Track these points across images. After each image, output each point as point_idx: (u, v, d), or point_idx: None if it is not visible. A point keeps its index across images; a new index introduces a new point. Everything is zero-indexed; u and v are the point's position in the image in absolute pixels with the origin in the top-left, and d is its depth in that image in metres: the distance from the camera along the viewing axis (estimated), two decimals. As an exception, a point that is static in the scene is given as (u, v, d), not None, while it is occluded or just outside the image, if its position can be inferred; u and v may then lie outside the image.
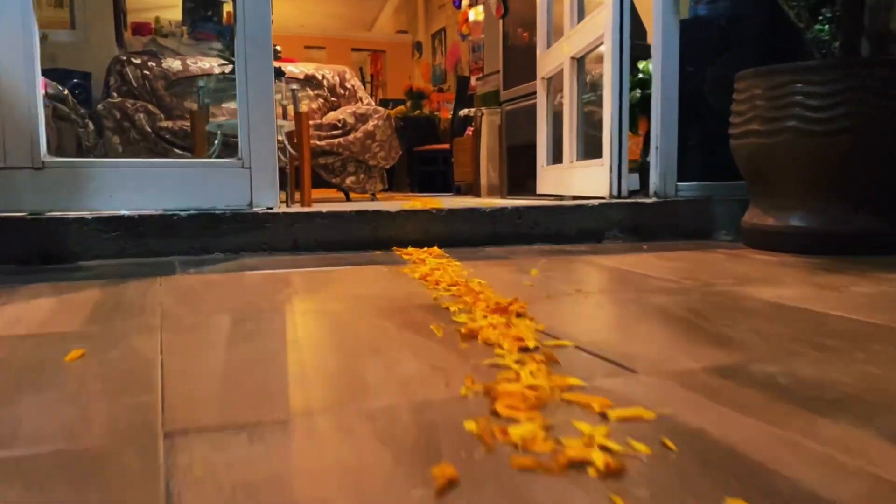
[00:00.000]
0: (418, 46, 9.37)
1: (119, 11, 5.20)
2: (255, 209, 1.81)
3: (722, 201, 2.18)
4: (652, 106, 2.22)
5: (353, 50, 9.92)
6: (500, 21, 5.13)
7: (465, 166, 6.48)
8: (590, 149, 2.66)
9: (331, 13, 9.84)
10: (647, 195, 2.27)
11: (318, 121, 4.92)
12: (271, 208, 1.85)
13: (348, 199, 5.24)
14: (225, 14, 7.27)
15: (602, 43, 2.35)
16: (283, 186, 3.28)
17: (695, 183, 2.26)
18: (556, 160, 2.85)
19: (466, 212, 1.91)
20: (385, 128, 4.89)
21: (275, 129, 1.91)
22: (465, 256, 1.78)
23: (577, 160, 2.69)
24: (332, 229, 1.78)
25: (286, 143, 3.42)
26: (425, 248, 1.82)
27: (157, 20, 6.37)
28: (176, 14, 6.48)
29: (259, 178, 1.84)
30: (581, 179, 2.54)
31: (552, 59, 2.88)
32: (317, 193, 5.74)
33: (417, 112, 7.45)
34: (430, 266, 1.48)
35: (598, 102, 2.64)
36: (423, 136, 7.38)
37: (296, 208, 1.77)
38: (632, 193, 2.27)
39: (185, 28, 6.41)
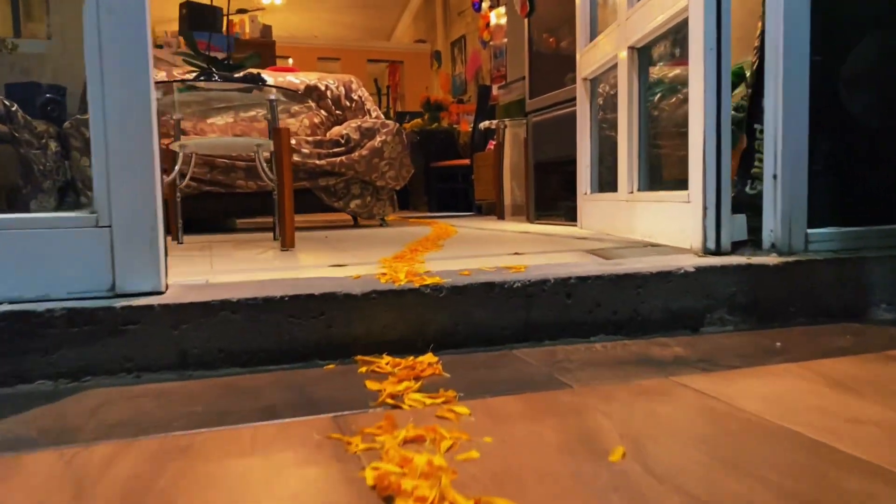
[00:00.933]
0: (437, 56, 8.60)
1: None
2: (117, 299, 1.03)
3: (879, 259, 1.35)
4: (766, 110, 1.40)
5: (370, 61, 9.19)
6: (526, 21, 4.31)
7: (486, 183, 5.67)
8: (656, 174, 1.85)
9: (346, 23, 9.12)
10: (757, 248, 1.44)
11: (321, 137, 4.14)
12: (151, 294, 1.06)
13: (356, 223, 4.45)
14: (226, 23, 6.59)
15: (680, 20, 1.54)
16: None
17: (833, 230, 1.43)
18: (607, 187, 2.03)
19: (482, 290, 1.10)
20: (395, 144, 4.10)
21: (156, 162, 1.13)
22: (478, 379, 0.98)
23: (638, 189, 1.87)
24: (250, 330, 0.99)
25: (263, 167, 2.65)
26: (413, 358, 1.03)
27: (152, 31, 5.62)
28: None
29: (127, 245, 1.06)
30: (648, 219, 1.72)
31: (598, 53, 2.07)
32: (318, 218, 4.95)
33: (435, 125, 6.67)
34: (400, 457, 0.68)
35: (669, 108, 1.82)
36: (442, 151, 6.59)
37: (193, 294, 0.99)
38: (735, 246, 1.44)
39: (181, 38, 5.70)
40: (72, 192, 3.64)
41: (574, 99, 3.45)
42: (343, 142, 4.03)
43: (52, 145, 3.42)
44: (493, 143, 5.86)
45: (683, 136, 1.54)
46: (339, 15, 8.97)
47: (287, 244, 2.49)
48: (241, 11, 7.22)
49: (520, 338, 1.14)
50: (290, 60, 7.98)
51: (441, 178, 6.53)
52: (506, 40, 5.73)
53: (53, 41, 4.43)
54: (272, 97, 2.53)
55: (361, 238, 3.08)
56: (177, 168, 2.52)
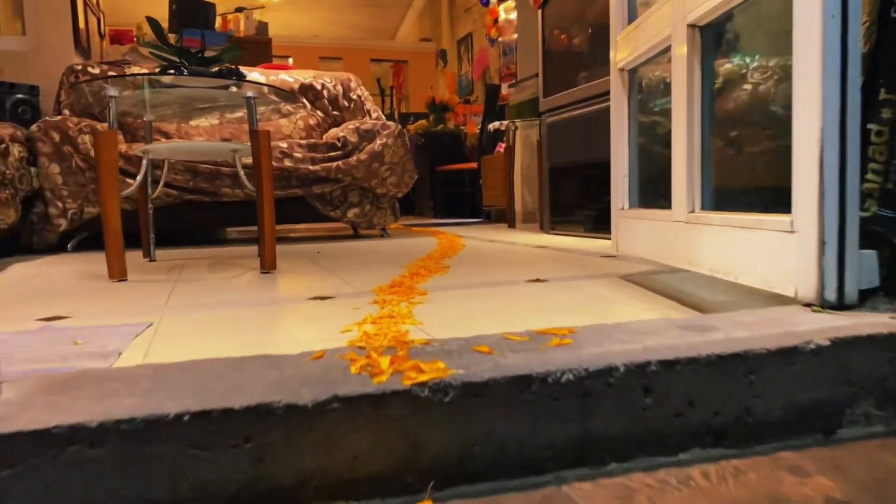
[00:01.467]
0: (443, 55, 8.15)
1: (77, 13, 4.04)
2: None
3: None
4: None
5: (373, 61, 8.76)
6: (539, 13, 3.88)
7: (495, 189, 5.24)
8: (726, 189, 1.40)
9: (349, 23, 8.69)
10: (893, 299, 0.99)
11: (315, 140, 3.71)
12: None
13: (356, 234, 4.02)
14: (219, 19, 6.16)
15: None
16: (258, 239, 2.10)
17: None
18: (651, 201, 1.59)
19: (512, 387, 0.67)
20: (396, 147, 3.66)
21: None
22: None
23: (702, 208, 1.42)
24: (123, 477, 0.58)
25: (242, 174, 2.22)
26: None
27: (139, 27, 5.22)
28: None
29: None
30: (721, 249, 1.28)
31: (641, 37, 1.64)
32: (314, 228, 4.51)
33: (441, 126, 6.23)
34: None
35: (749, 101, 1.38)
36: (448, 154, 6.15)
37: (37, 408, 0.58)
38: (862, 296, 0.99)
39: (172, 35, 5.29)
40: (40, 204, 3.22)
41: (599, 96, 3.01)
42: (340, 145, 3.60)
43: (15, 150, 3.00)
44: (503, 145, 5.42)
45: (765, 137, 1.09)
46: (341, 14, 8.54)
47: (267, 266, 2.06)
48: (240, 10, 6.80)
49: (571, 461, 0.71)
50: (290, 60, 7.56)
51: (447, 183, 6.10)
52: (515, 36, 5.29)
53: (28, 37, 4.01)
54: (249, 95, 2.10)
55: (357, 253, 2.65)
56: (139, 177, 2.09)
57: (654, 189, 1.61)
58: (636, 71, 1.59)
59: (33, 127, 3.21)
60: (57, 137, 3.19)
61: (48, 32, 3.96)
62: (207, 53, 3.40)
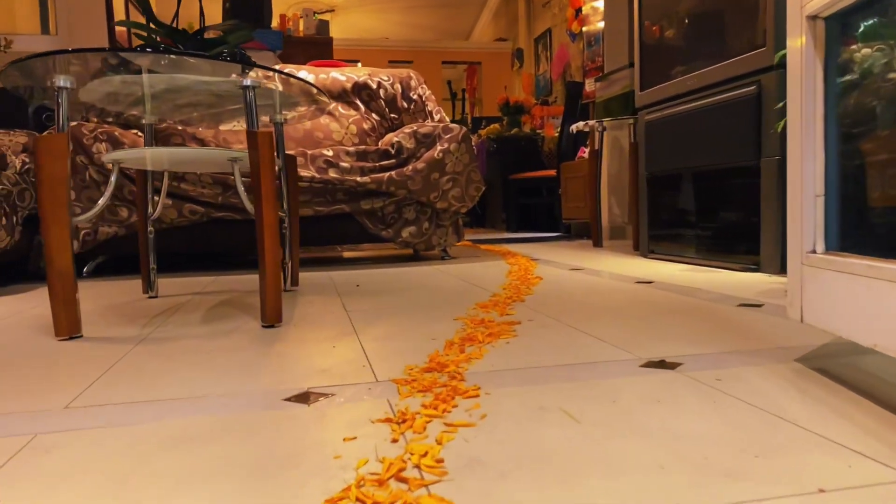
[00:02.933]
0: (519, 55, 7.51)
1: (112, 10, 3.66)
2: None
3: None
4: None
5: (445, 63, 8.21)
6: (633, -9, 3.18)
7: (577, 199, 4.55)
8: None
9: (420, 24, 8.18)
10: None
11: (364, 147, 3.15)
12: None
13: (417, 256, 3.46)
14: (278, 18, 5.75)
15: None
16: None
17: None
18: (863, 241, 0.92)
19: None
20: (460, 154, 3.06)
21: None
22: None
23: None
24: None
25: (242, 190, 1.68)
26: None
27: (189, 26, 4.81)
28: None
29: None
30: None
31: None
32: (365, 249, 3.93)
33: (515, 130, 5.58)
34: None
35: None
36: (523, 161, 5.50)
37: None
38: None
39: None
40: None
41: (722, 84, 2.30)
42: (393, 152, 3.03)
43: (18, 162, 2.58)
44: (585, 150, 4.73)
45: None
46: (413, 16, 8.04)
47: (268, 318, 1.49)
48: (309, 13, 6.39)
49: None
50: (360, 64, 7.11)
51: (522, 193, 5.44)
52: (602, 24, 4.59)
53: (59, 36, 3.65)
54: (247, 83, 1.53)
55: (405, 287, 2.05)
56: (103, 198, 1.56)
57: (883, 221, 0.92)
58: (844, 18, 0.92)
59: (44, 134, 2.80)
60: (70, 146, 2.76)
61: (80, 31, 3.59)
62: (268, 60, 2.88)
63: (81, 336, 1.43)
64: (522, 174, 5.38)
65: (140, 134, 2.82)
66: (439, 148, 3.04)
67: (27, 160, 2.60)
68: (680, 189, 2.69)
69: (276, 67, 1.90)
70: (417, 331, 1.39)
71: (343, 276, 2.55)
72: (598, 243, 3.69)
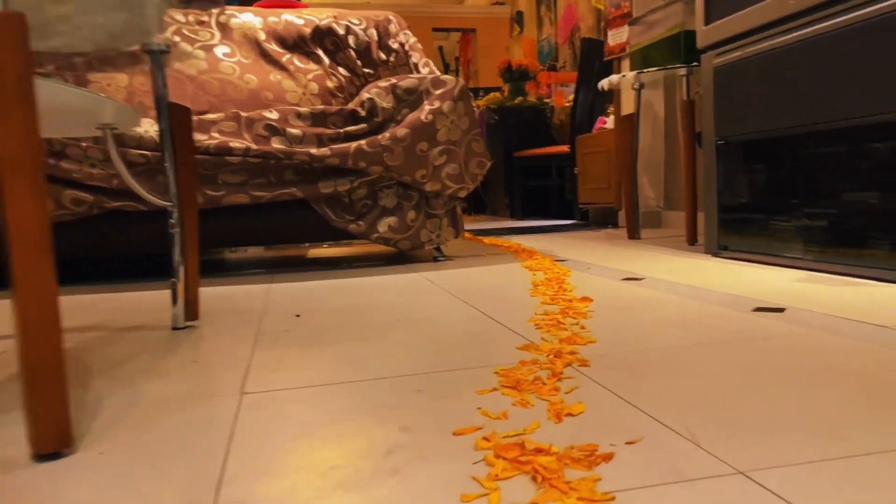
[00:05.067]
0: (519, 18, 6.61)
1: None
2: None
3: None
4: None
5: (436, 31, 7.31)
6: None
7: (597, 180, 3.71)
8: None
9: (408, -13, 7.24)
10: None
11: (324, 108, 2.27)
12: None
13: (402, 254, 2.64)
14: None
15: None
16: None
17: None
18: None
19: None
20: (456, 117, 2.21)
21: None
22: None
23: None
24: None
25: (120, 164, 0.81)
26: None
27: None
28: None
29: None
30: None
31: None
32: (336, 247, 2.87)
33: (519, 100, 4.71)
34: None
35: None
36: (529, 136, 4.65)
37: None
38: None
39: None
40: None
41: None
42: (364, 114, 2.17)
43: None
44: (606, 120, 3.87)
45: None
46: (399, -23, 7.10)
47: (41, 442, 0.60)
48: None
49: None
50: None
51: (528, 173, 4.58)
52: (627, -36, 3.70)
53: None
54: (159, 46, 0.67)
55: (377, 326, 1.19)
56: None
57: None
58: None
59: None
60: None
61: None
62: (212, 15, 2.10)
63: None
64: (529, 151, 4.52)
65: None
66: (428, 108, 2.18)
67: None
68: (775, 159, 1.84)
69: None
70: (359, 458, 0.54)
71: (287, 293, 1.69)
72: (634, 234, 2.85)
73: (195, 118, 2.06)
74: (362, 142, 2.10)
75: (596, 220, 4.06)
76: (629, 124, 2.82)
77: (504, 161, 4.74)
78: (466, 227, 4.14)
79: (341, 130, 2.15)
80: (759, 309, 1.25)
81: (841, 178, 1.63)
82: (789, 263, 1.79)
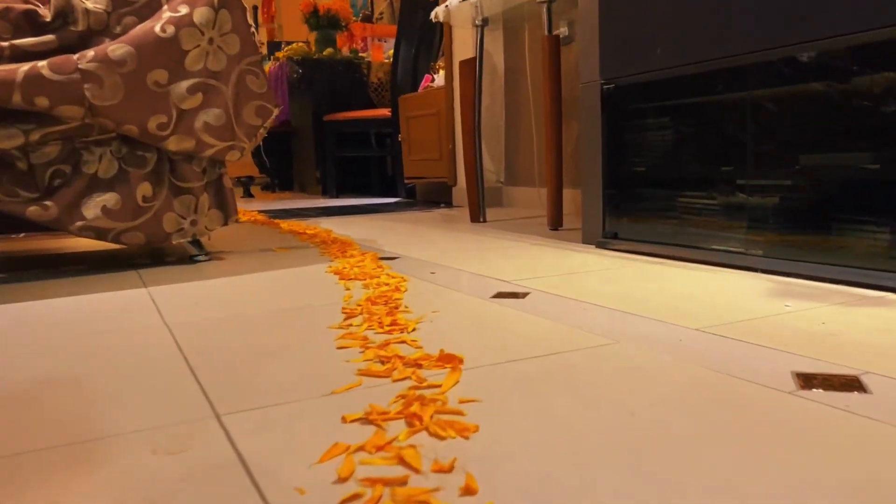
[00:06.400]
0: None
1: None
2: None
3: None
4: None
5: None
6: None
7: (426, 149, 3.06)
8: None
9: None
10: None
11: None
12: None
13: (160, 258, 1.73)
14: None
15: None
16: None
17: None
18: None
19: None
20: (218, 31, 1.35)
21: None
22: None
23: None
24: None
25: None
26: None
27: None
28: None
29: None
30: None
31: None
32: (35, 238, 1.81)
33: (329, 52, 3.88)
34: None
35: None
36: (342, 96, 3.86)
37: None
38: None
39: None
40: None
41: None
42: (50, 18, 1.24)
43: None
44: (434, 78, 3.21)
45: None
46: None
47: None
48: None
49: None
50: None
51: (343, 142, 3.80)
52: None
53: None
54: None
55: None
56: None
57: None
58: None
59: None
60: None
61: None
62: None
63: None
64: (342, 114, 3.72)
65: None
66: (169, 15, 1.32)
67: None
68: (693, 110, 1.27)
69: None
70: None
71: None
72: (478, 217, 2.21)
73: None
74: (43, 63, 1.19)
75: (425, 197, 3.41)
76: (468, 72, 2.16)
77: (313, 126, 3.90)
78: (263, 206, 3.26)
79: (5, 44, 1.22)
80: (800, 375, 0.62)
81: (799, 135, 1.08)
82: (728, 262, 1.23)
